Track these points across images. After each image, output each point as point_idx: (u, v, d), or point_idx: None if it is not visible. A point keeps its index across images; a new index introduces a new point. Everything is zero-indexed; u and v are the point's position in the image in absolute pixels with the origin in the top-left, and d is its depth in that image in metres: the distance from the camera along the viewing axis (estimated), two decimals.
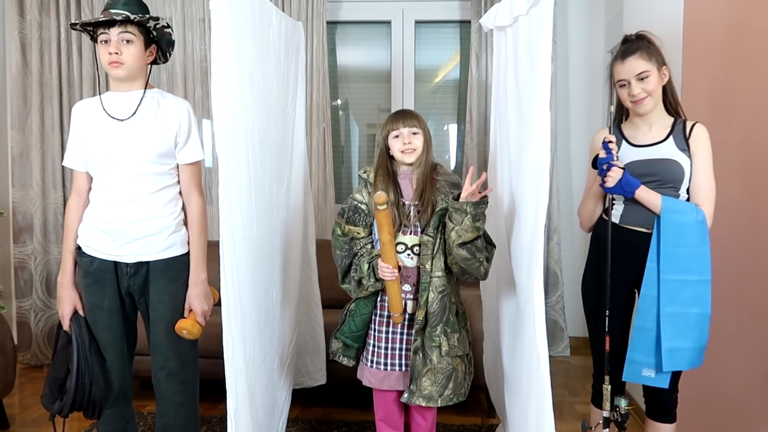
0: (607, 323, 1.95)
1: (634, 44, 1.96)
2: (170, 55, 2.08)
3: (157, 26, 1.94)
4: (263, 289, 2.09)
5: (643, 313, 1.92)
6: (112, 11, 1.87)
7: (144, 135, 1.93)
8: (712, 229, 1.94)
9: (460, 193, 1.92)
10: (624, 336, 2.05)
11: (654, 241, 1.91)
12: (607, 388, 1.93)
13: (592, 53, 3.92)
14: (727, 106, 2.31)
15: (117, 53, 1.87)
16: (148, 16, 1.90)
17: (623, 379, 1.97)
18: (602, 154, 1.94)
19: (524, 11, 1.91)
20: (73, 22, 1.92)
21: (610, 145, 1.93)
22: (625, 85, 1.96)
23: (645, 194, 1.91)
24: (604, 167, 1.92)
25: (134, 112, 1.94)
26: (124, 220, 1.93)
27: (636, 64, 1.93)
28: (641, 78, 1.93)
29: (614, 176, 1.89)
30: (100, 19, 1.86)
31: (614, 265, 1.94)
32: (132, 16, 1.87)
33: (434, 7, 3.94)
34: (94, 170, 1.98)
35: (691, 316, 1.89)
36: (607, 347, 1.95)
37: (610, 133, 2.05)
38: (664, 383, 1.94)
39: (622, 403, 1.92)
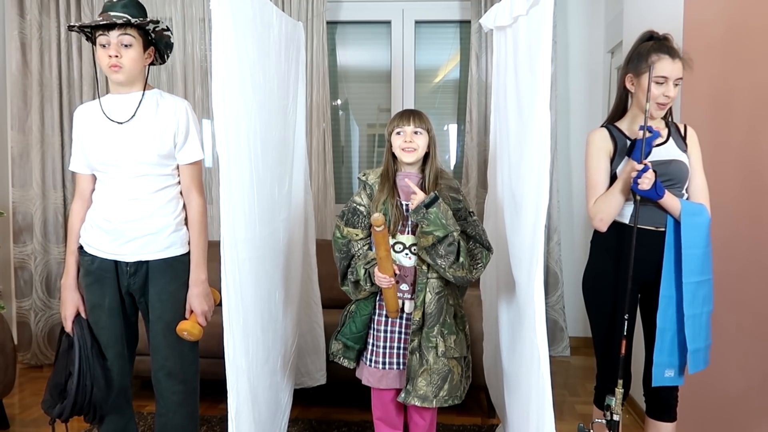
0: (626, 327, 1.94)
1: (677, 48, 1.96)
2: (168, 56, 2.07)
3: (157, 29, 1.94)
4: (266, 289, 2.09)
5: (662, 314, 1.92)
6: (112, 14, 1.86)
7: (143, 137, 1.93)
8: (713, 229, 1.96)
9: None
10: (632, 337, 2.04)
11: (670, 242, 1.92)
12: (620, 391, 1.93)
13: (592, 53, 3.92)
14: (727, 106, 2.31)
15: (117, 56, 1.87)
16: (148, 19, 1.90)
17: (653, 385, 1.97)
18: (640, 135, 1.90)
19: (524, 11, 1.91)
20: (71, 24, 1.91)
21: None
22: (663, 83, 1.93)
23: (669, 198, 1.92)
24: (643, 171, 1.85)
25: (133, 115, 1.94)
26: (124, 219, 1.93)
27: (680, 67, 1.93)
28: (676, 83, 1.94)
29: (651, 178, 1.86)
30: (100, 23, 1.85)
31: (624, 265, 1.94)
32: (132, 20, 1.86)
33: (434, 7, 3.94)
34: (97, 171, 1.98)
35: (703, 316, 1.93)
36: (623, 351, 1.94)
37: (609, 132, 2.05)
38: (680, 381, 1.97)
39: (614, 402, 1.93)
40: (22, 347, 3.74)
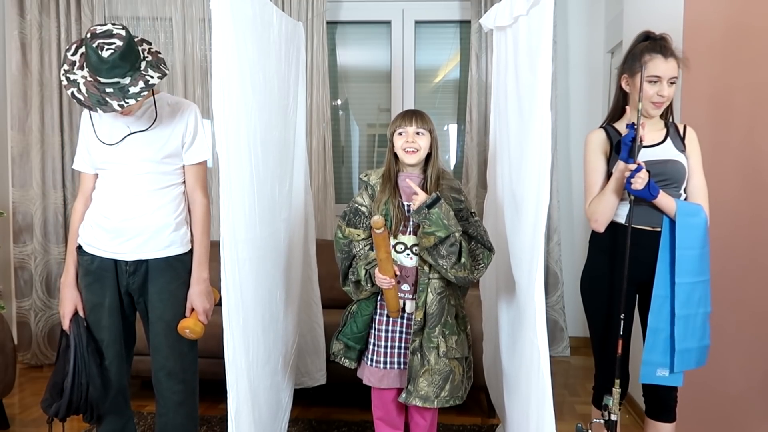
0: (622, 327, 1.93)
1: (672, 47, 1.95)
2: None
3: (150, 56, 1.86)
4: (267, 290, 2.10)
5: (655, 314, 1.92)
6: (101, 80, 1.75)
7: (154, 140, 1.94)
8: (712, 229, 1.95)
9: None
10: (628, 337, 2.04)
11: (665, 242, 1.91)
12: (617, 391, 1.93)
13: (592, 53, 3.92)
14: (727, 106, 2.31)
15: (130, 112, 1.87)
16: (140, 81, 1.77)
17: (640, 382, 1.97)
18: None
19: (524, 11, 1.91)
20: (78, 100, 1.77)
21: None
22: (656, 82, 1.93)
23: (663, 198, 1.91)
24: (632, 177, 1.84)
25: (152, 124, 1.93)
26: (123, 217, 1.93)
27: (674, 66, 1.93)
28: (672, 82, 1.94)
29: (644, 178, 1.85)
30: (102, 110, 1.77)
31: (620, 266, 1.93)
32: (127, 102, 1.76)
33: (434, 7, 3.94)
34: (101, 169, 1.99)
35: (698, 317, 1.92)
36: (619, 351, 1.94)
37: (607, 133, 2.05)
38: (678, 382, 1.96)
39: (611, 402, 1.93)
40: (22, 347, 3.74)
